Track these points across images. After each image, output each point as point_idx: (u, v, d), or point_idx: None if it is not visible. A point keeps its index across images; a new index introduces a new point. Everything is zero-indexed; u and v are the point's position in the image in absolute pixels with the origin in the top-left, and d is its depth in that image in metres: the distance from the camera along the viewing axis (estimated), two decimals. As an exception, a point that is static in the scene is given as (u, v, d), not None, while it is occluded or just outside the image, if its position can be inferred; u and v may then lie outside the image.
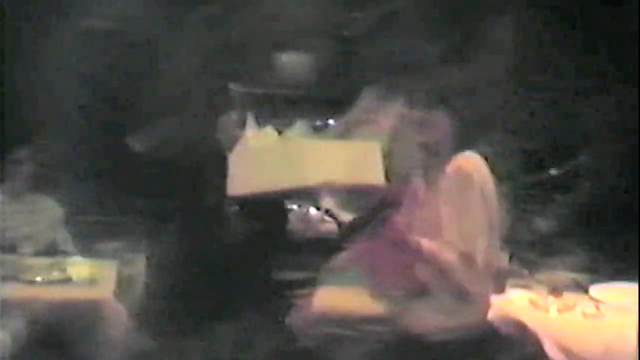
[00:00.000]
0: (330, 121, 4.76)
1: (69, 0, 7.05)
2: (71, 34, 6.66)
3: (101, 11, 7.28)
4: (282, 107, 6.14)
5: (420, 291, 3.76)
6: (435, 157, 3.77)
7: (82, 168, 5.57)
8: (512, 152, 6.36)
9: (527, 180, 5.73)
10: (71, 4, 7.22)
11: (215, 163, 4.01)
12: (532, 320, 4.00)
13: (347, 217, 4.77)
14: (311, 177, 3.78)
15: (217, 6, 5.87)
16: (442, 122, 3.76)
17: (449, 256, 3.60)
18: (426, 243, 3.64)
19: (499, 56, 7.44)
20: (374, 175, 3.87)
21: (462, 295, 3.65)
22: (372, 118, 4.38)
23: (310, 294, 4.20)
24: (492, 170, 3.81)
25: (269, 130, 4.20)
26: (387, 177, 3.89)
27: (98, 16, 7.14)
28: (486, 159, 3.79)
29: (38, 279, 4.41)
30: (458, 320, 3.72)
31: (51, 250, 4.89)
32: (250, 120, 4.29)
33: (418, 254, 3.68)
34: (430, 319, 3.73)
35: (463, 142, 3.75)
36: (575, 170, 6.49)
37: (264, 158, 3.89)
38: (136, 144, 5.33)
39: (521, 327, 3.99)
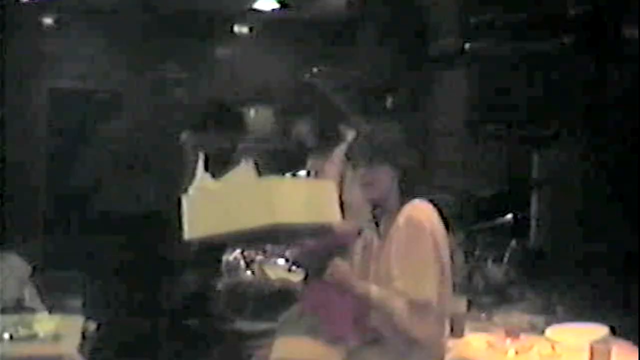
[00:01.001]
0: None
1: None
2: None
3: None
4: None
5: (374, 339, 3.78)
6: (383, 210, 3.79)
7: (48, 224, 5.62)
8: (465, 199, 6.45)
9: (481, 227, 5.79)
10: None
11: (172, 213, 4.01)
12: (489, 362, 4.07)
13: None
14: (262, 217, 3.71)
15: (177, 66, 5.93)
16: (385, 178, 3.77)
17: (398, 304, 3.59)
18: (374, 290, 3.64)
19: (452, 107, 7.56)
20: (330, 213, 3.84)
21: (413, 342, 3.66)
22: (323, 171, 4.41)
23: (268, 345, 4.19)
24: (445, 218, 3.83)
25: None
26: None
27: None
28: (437, 207, 3.81)
29: (5, 336, 4.39)
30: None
31: (17, 307, 4.89)
32: (201, 163, 4.30)
33: (366, 301, 3.69)
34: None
35: (412, 193, 3.75)
36: (527, 217, 6.58)
37: (219, 200, 3.83)
38: (97, 200, 5.35)
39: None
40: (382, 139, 3.77)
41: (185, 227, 3.78)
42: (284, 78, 7.76)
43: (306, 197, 3.75)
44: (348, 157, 3.87)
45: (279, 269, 5.92)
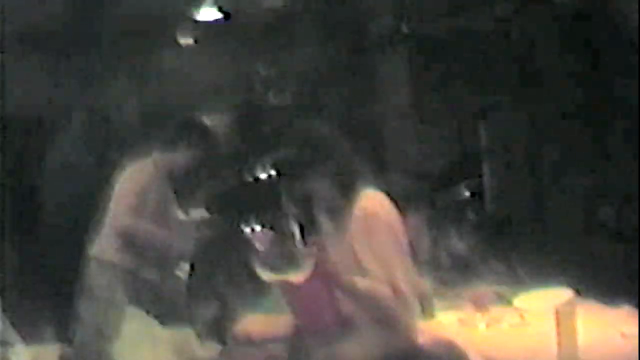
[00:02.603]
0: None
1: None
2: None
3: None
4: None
5: (344, 326, 3.78)
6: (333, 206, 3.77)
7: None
8: (420, 177, 6.46)
9: (437, 204, 5.81)
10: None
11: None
12: (462, 338, 4.02)
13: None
14: None
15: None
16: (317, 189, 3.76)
17: (385, 290, 3.61)
18: (360, 281, 3.64)
19: (397, 92, 7.59)
20: None
21: (389, 325, 3.67)
22: None
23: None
24: (399, 201, 3.83)
25: None
26: None
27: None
28: (389, 194, 3.80)
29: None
30: (386, 349, 3.73)
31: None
32: None
33: (352, 293, 3.69)
34: (358, 351, 3.74)
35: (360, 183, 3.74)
36: (480, 187, 6.61)
37: None
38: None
39: (451, 347, 4.03)
40: (310, 148, 3.77)
41: None
42: (233, 85, 7.76)
43: None
44: (279, 174, 3.83)
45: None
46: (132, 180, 5.15)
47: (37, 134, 7.74)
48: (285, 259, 3.85)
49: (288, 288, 3.97)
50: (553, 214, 5.83)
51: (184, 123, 5.45)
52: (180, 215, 5.28)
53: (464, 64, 7.05)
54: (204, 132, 5.44)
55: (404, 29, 7.45)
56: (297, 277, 3.69)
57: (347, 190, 3.72)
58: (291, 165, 3.78)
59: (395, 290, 3.60)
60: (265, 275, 3.81)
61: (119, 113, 6.78)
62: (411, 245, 3.80)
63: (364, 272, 3.63)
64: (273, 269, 3.77)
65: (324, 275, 3.67)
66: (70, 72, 7.93)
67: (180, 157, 5.29)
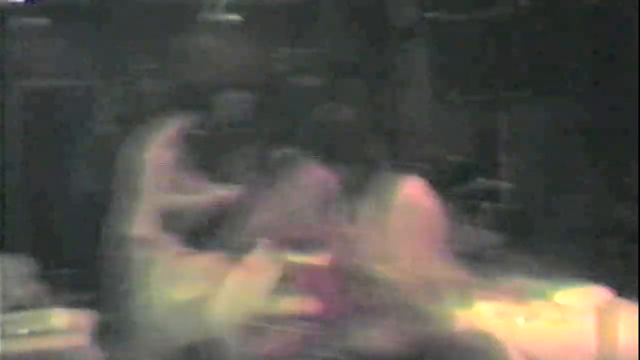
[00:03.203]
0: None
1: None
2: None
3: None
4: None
5: (365, 314, 3.78)
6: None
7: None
8: (444, 168, 6.47)
9: (466, 194, 5.82)
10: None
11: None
12: (500, 330, 4.06)
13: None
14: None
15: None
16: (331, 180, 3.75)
17: (409, 280, 3.60)
18: (383, 270, 3.62)
19: (417, 81, 7.58)
20: None
21: (414, 314, 3.67)
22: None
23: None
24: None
25: None
26: None
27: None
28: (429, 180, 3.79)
29: (23, 331, 4.41)
30: (419, 337, 3.74)
31: (31, 304, 4.86)
32: None
33: (372, 281, 3.68)
34: (387, 339, 3.75)
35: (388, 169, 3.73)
36: (506, 180, 6.63)
37: None
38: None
39: (488, 338, 4.06)
40: (341, 128, 3.75)
41: None
42: (253, 62, 7.74)
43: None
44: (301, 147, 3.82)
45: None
46: (160, 157, 5.12)
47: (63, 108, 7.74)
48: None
49: (310, 273, 4.00)
50: (576, 212, 5.85)
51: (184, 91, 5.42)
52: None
53: (486, 55, 7.04)
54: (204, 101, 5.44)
55: (427, 17, 7.46)
56: (319, 260, 3.71)
57: (385, 176, 3.71)
58: (319, 148, 3.77)
59: (426, 279, 3.57)
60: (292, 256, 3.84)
61: (143, 90, 6.77)
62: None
63: (395, 258, 3.62)
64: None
65: (345, 261, 3.67)
66: (94, 48, 7.92)
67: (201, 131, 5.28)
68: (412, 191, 3.71)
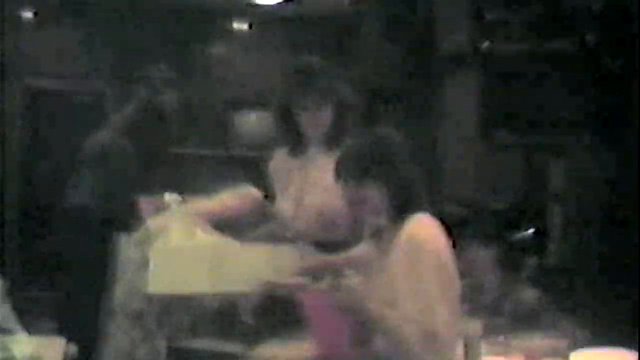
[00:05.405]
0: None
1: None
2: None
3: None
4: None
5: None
6: (381, 226, 3.75)
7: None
8: (478, 212, 6.45)
9: (496, 242, 5.79)
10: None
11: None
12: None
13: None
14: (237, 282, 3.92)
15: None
16: (371, 197, 3.74)
17: (410, 330, 3.56)
18: (389, 314, 3.60)
19: (462, 115, 7.56)
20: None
21: None
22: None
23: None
24: (453, 233, 3.79)
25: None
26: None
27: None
28: (444, 221, 3.76)
29: (-22, 359, 4.40)
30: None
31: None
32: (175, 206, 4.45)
33: (378, 325, 3.67)
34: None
35: (412, 207, 3.71)
36: (545, 231, 6.60)
37: (188, 258, 4.01)
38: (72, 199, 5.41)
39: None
40: (374, 152, 3.74)
41: (150, 280, 3.96)
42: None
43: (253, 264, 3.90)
44: (337, 172, 3.83)
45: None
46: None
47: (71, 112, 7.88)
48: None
49: (312, 311, 4.00)
50: (623, 268, 5.79)
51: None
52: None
53: (545, 91, 7.02)
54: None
55: (481, 47, 7.44)
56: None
57: (399, 208, 3.70)
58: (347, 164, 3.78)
59: (428, 330, 3.54)
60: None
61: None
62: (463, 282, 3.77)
63: (397, 303, 3.60)
64: None
65: (351, 299, 3.65)
66: (110, 49, 8.05)
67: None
68: (418, 230, 3.66)
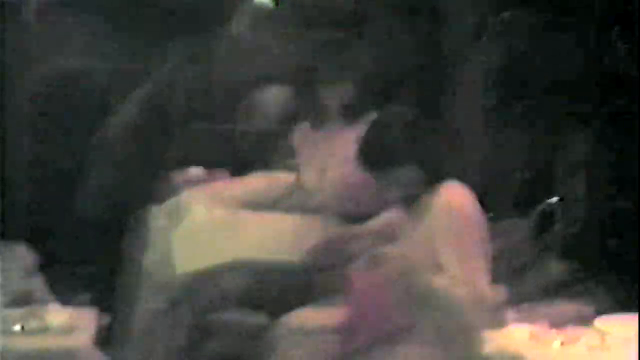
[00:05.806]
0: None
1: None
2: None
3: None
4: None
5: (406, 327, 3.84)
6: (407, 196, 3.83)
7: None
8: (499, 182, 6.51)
9: (519, 211, 5.86)
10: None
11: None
12: (533, 354, 4.18)
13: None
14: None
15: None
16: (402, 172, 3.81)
17: (460, 293, 3.63)
18: (438, 280, 3.67)
19: (473, 97, 7.58)
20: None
21: (459, 332, 3.71)
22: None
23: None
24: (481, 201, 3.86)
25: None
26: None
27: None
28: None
29: (16, 328, 4.51)
30: (447, 356, 3.78)
31: (26, 299, 5.00)
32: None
33: (428, 292, 3.73)
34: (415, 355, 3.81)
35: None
36: (566, 200, 6.62)
37: (212, 232, 4.08)
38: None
39: (520, 361, 4.16)
40: (396, 131, 3.82)
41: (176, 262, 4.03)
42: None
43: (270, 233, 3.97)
44: (361, 151, 3.90)
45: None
46: None
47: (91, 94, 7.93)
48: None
49: (353, 281, 4.08)
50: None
51: None
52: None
53: (563, 61, 7.03)
54: None
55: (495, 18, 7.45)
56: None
57: (430, 180, 3.78)
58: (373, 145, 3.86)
59: (477, 293, 3.62)
60: None
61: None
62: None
63: (441, 270, 3.67)
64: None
65: (395, 270, 3.72)
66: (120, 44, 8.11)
67: None
68: (455, 198, 3.74)
